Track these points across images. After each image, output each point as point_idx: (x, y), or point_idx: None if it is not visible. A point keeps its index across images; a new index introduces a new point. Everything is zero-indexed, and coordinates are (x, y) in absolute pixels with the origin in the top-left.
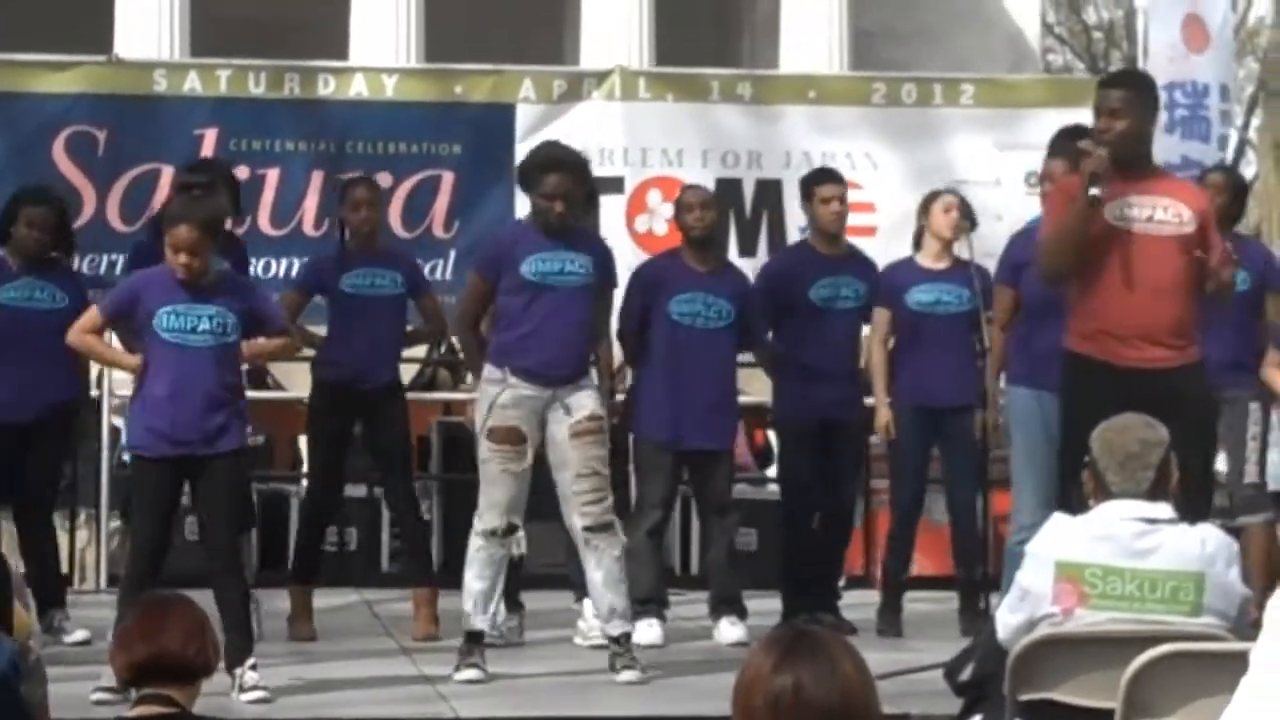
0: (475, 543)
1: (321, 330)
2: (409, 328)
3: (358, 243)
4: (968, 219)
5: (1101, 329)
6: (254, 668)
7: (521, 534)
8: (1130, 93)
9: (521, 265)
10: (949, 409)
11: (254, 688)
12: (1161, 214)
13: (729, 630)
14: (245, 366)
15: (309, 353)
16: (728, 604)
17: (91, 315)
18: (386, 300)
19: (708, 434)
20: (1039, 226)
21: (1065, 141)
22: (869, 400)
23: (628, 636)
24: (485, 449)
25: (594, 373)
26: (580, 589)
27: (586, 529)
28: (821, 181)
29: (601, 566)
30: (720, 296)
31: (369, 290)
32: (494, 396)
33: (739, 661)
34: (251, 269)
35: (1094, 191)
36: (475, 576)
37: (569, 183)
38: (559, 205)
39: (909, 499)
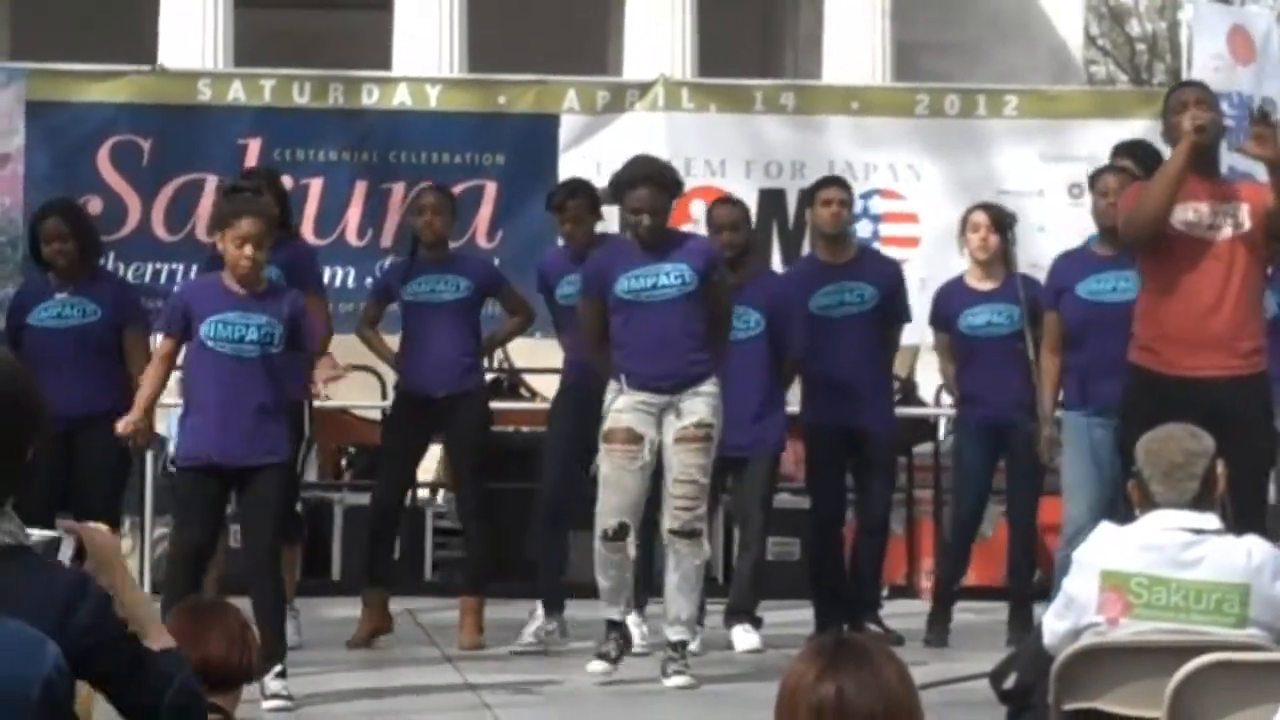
0: (596, 545)
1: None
2: (483, 333)
3: (427, 250)
4: (1001, 232)
5: (1161, 334)
6: (281, 675)
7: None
8: (1207, 93)
9: (616, 284)
10: (1012, 425)
11: (275, 695)
12: (1223, 219)
13: (743, 638)
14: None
15: (359, 361)
16: (740, 614)
17: (160, 343)
18: (448, 307)
19: (740, 440)
20: (1083, 249)
21: (1120, 157)
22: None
23: (684, 644)
24: (602, 453)
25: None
26: None
27: (671, 531)
28: (824, 186)
29: (678, 570)
30: (750, 307)
31: (427, 297)
32: (609, 403)
33: (783, 671)
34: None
35: (1198, 123)
36: (600, 575)
37: (655, 196)
38: (646, 219)
39: (968, 512)
